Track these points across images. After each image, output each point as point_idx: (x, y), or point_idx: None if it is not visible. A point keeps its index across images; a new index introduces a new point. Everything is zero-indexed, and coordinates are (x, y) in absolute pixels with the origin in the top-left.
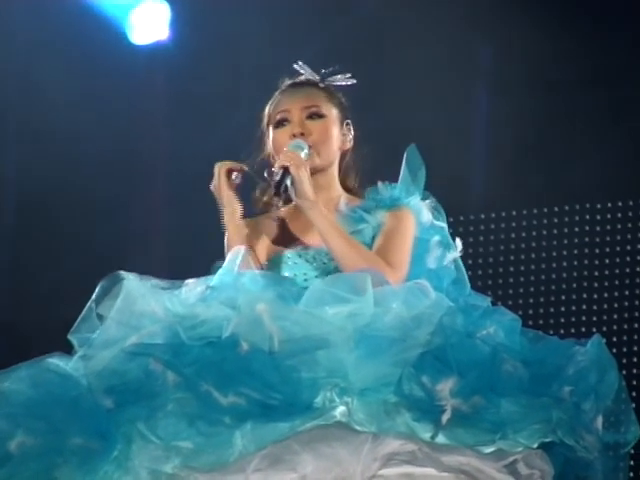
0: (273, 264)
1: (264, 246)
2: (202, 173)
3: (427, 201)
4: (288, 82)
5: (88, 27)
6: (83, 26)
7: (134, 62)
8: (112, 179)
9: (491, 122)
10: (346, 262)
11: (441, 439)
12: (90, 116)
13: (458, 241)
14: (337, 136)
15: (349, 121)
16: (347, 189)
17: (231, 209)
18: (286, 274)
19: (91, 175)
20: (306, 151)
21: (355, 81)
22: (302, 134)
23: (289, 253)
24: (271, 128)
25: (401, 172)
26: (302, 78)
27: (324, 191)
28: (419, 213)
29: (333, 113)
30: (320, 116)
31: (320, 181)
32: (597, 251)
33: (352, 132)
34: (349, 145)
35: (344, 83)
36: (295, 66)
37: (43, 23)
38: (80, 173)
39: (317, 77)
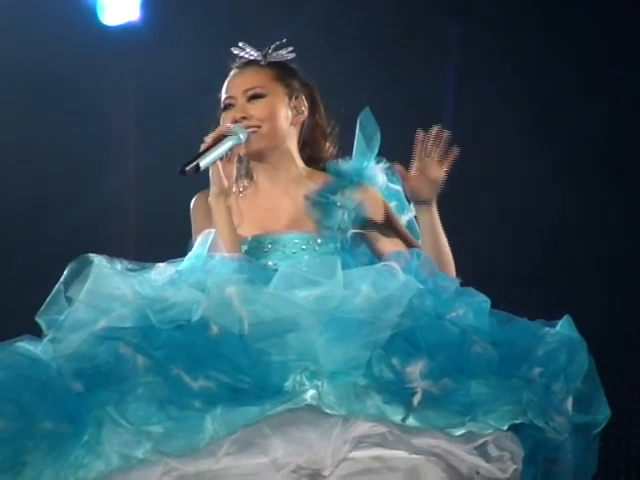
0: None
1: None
2: (172, 156)
3: (381, 165)
4: (234, 65)
5: (58, 7)
6: (53, 6)
7: (105, 43)
8: (81, 162)
9: (461, 102)
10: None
11: (411, 421)
12: (59, 98)
13: (412, 205)
14: (284, 113)
15: (299, 94)
16: (313, 160)
17: (218, 188)
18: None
19: (59, 158)
20: (241, 136)
21: (294, 55)
22: (243, 118)
23: (258, 240)
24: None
25: (356, 137)
26: (245, 59)
27: (282, 170)
28: (375, 181)
29: (278, 90)
30: (261, 96)
31: (273, 160)
32: (570, 232)
33: (305, 104)
34: (302, 118)
35: (285, 58)
36: (234, 50)
37: (11, 6)
38: (47, 155)
39: (260, 56)
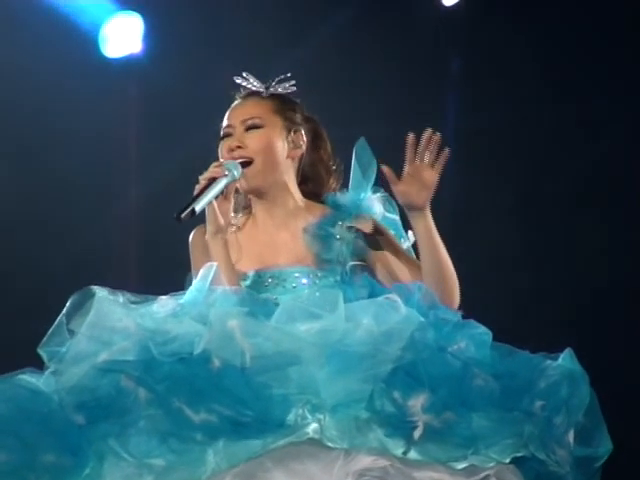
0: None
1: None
2: (174, 185)
3: (378, 195)
4: (238, 95)
5: (61, 40)
6: (56, 39)
7: (107, 75)
8: (83, 193)
9: (461, 133)
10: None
11: (413, 455)
12: (61, 129)
13: (410, 233)
14: (281, 145)
15: (298, 128)
16: (313, 195)
17: (215, 227)
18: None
19: (61, 188)
20: (235, 173)
21: (295, 88)
22: (239, 147)
23: (258, 275)
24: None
25: (352, 168)
26: (248, 89)
27: (279, 204)
28: (372, 211)
29: (276, 122)
30: (258, 127)
31: (270, 194)
32: (569, 261)
33: (304, 138)
34: (300, 152)
35: (287, 91)
36: (237, 79)
37: (15, 36)
38: (50, 186)
39: (262, 87)
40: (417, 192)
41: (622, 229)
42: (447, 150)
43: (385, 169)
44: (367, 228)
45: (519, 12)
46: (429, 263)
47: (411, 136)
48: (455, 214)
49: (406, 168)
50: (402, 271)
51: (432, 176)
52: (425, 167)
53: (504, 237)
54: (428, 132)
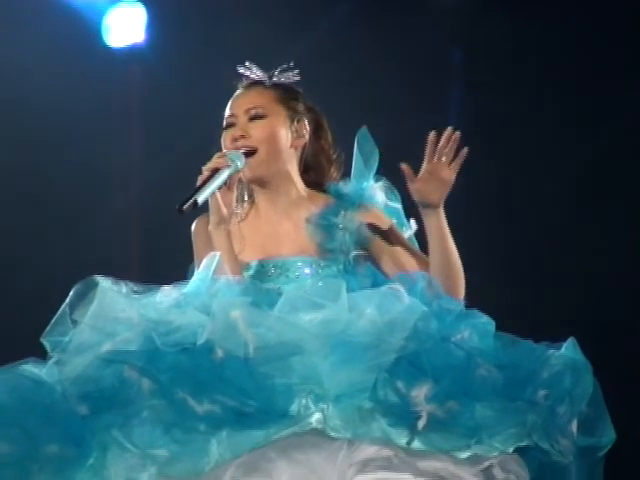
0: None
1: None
2: (176, 176)
3: (380, 183)
4: (240, 85)
5: (63, 29)
6: (58, 28)
7: (110, 65)
8: (83, 183)
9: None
10: None
11: (417, 445)
12: (64, 120)
13: (413, 221)
14: (285, 134)
15: (301, 117)
16: (315, 184)
17: (218, 217)
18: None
19: (62, 179)
20: (238, 164)
21: (298, 78)
22: (242, 136)
23: (261, 265)
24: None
25: (354, 157)
26: (250, 79)
27: (282, 194)
28: (375, 200)
29: (280, 112)
30: (262, 117)
31: (273, 183)
32: (569, 261)
33: (307, 128)
34: (303, 141)
35: (289, 80)
36: (240, 69)
37: (18, 26)
38: (54, 177)
39: (265, 77)
40: (433, 190)
41: (622, 229)
42: (465, 150)
43: (404, 167)
44: (384, 225)
45: (519, 8)
46: (439, 260)
47: (432, 134)
48: (455, 214)
49: (424, 166)
50: (409, 264)
51: (449, 175)
52: (443, 166)
53: (504, 237)
54: (449, 130)
